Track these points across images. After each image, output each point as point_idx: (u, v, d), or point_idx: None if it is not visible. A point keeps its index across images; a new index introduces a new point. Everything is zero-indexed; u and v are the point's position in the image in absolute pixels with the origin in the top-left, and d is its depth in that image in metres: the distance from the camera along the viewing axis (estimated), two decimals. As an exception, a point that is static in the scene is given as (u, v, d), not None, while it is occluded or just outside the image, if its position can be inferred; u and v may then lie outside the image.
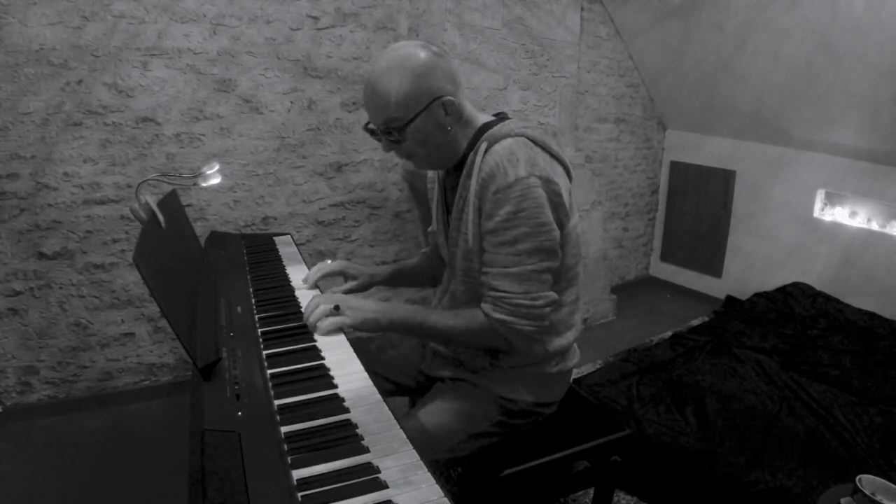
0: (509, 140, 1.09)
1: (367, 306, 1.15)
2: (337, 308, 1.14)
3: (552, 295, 1.11)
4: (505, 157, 1.05)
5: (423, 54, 1.06)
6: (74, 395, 2.25)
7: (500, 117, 1.20)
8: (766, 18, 2.63)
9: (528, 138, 1.10)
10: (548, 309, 1.11)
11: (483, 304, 1.12)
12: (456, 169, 1.19)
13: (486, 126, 1.15)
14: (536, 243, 1.06)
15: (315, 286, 1.45)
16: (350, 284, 1.45)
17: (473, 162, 1.11)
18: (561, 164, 1.14)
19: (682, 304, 3.53)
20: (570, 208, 1.14)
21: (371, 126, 1.13)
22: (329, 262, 1.47)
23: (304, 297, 1.39)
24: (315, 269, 1.46)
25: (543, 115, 2.82)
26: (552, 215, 1.08)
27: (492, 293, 1.10)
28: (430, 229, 1.46)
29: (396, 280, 1.53)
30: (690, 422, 1.88)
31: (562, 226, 1.11)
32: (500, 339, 1.12)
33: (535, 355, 1.21)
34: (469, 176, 1.12)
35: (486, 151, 1.09)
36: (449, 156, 1.16)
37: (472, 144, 1.14)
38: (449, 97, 1.08)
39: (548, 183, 1.06)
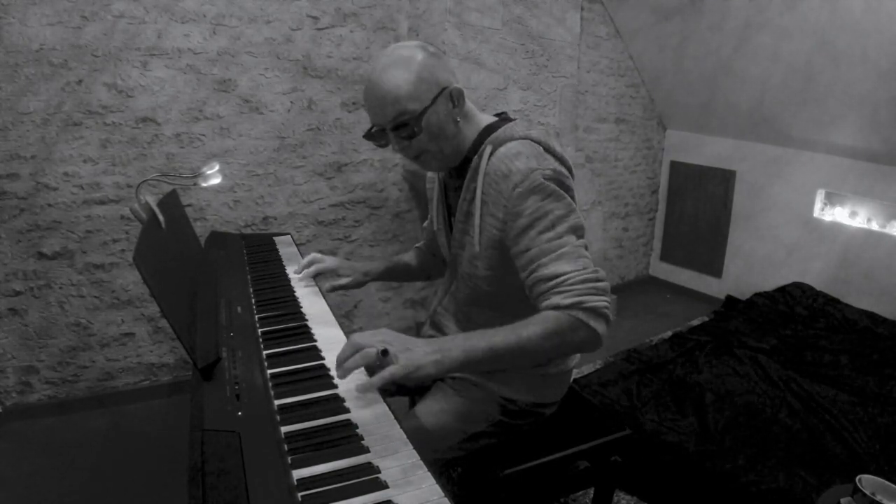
0: (514, 142, 1.08)
1: (420, 349, 0.93)
2: (385, 354, 0.92)
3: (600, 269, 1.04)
4: (513, 157, 1.05)
5: (422, 50, 1.08)
6: (74, 395, 2.25)
7: (503, 118, 1.19)
8: (766, 18, 2.63)
9: (533, 140, 1.10)
10: (606, 282, 1.02)
11: (547, 302, 0.99)
12: (458, 170, 1.18)
13: (489, 127, 1.14)
14: (571, 222, 1.04)
15: (312, 284, 1.46)
16: (343, 281, 1.46)
17: (478, 166, 1.10)
18: (564, 165, 1.14)
19: (682, 304, 3.53)
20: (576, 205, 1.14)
21: (375, 129, 1.10)
22: (320, 256, 1.48)
23: (305, 296, 1.39)
24: (306, 261, 1.47)
25: (543, 115, 2.82)
26: None
27: (551, 283, 0.99)
28: (425, 224, 1.46)
29: (389, 276, 1.53)
30: (690, 422, 1.88)
31: None
32: (580, 329, 0.97)
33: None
34: (474, 179, 1.11)
35: (491, 154, 1.09)
36: (457, 152, 1.15)
37: (476, 146, 1.13)
38: (456, 86, 1.09)
39: (558, 174, 1.06)
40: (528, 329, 0.96)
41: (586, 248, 1.05)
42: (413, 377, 0.90)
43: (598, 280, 0.99)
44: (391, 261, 1.54)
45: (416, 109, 1.05)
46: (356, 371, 0.96)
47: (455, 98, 1.09)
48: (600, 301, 0.97)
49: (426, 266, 1.52)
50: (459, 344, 0.96)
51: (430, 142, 1.09)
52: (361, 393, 0.95)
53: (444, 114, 1.08)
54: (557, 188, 1.04)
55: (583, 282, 0.97)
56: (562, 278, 0.98)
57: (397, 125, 1.06)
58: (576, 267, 0.99)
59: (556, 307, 0.97)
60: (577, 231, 1.05)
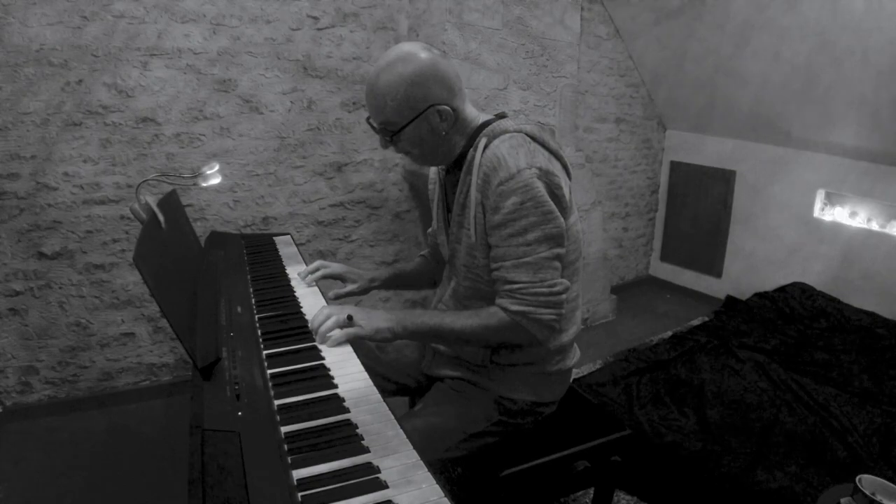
0: (508, 135, 1.10)
1: (379, 315, 1.14)
2: (350, 318, 1.13)
3: (565, 281, 1.11)
4: (505, 151, 1.07)
5: (423, 59, 1.08)
6: (74, 395, 2.25)
7: (500, 116, 1.21)
8: (766, 18, 2.63)
9: (527, 134, 1.12)
10: (564, 295, 1.11)
11: (499, 300, 1.11)
12: (456, 167, 1.20)
13: (486, 124, 1.16)
14: (546, 231, 1.07)
15: (314, 284, 1.46)
16: (349, 288, 1.46)
17: (473, 158, 1.12)
18: (559, 160, 1.15)
19: (682, 304, 3.52)
20: (570, 204, 1.15)
21: (372, 121, 1.16)
22: (326, 262, 1.48)
23: (305, 296, 1.39)
24: (312, 266, 1.47)
25: (543, 115, 2.82)
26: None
27: (507, 286, 1.09)
28: (429, 230, 1.46)
29: (395, 283, 1.53)
30: (690, 422, 1.88)
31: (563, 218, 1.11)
32: (521, 333, 1.10)
33: (537, 353, 1.22)
34: (469, 172, 1.13)
35: (485, 147, 1.11)
36: (445, 154, 1.18)
37: (472, 141, 1.15)
38: (444, 105, 1.10)
39: (547, 174, 1.07)
40: (475, 319, 1.11)
41: (558, 257, 1.10)
42: (373, 338, 1.13)
43: (551, 294, 1.08)
44: (396, 268, 1.55)
45: (397, 123, 1.10)
46: (355, 373, 0.97)
47: (443, 115, 1.10)
48: (547, 314, 1.08)
49: (431, 273, 1.52)
50: (413, 318, 1.14)
51: (413, 148, 1.15)
52: (333, 345, 1.11)
53: (426, 128, 1.11)
54: (541, 192, 1.05)
55: (534, 294, 1.07)
56: (516, 286, 1.08)
57: (382, 129, 1.13)
58: (532, 279, 1.07)
59: (505, 310, 1.09)
60: (551, 240, 1.08)
